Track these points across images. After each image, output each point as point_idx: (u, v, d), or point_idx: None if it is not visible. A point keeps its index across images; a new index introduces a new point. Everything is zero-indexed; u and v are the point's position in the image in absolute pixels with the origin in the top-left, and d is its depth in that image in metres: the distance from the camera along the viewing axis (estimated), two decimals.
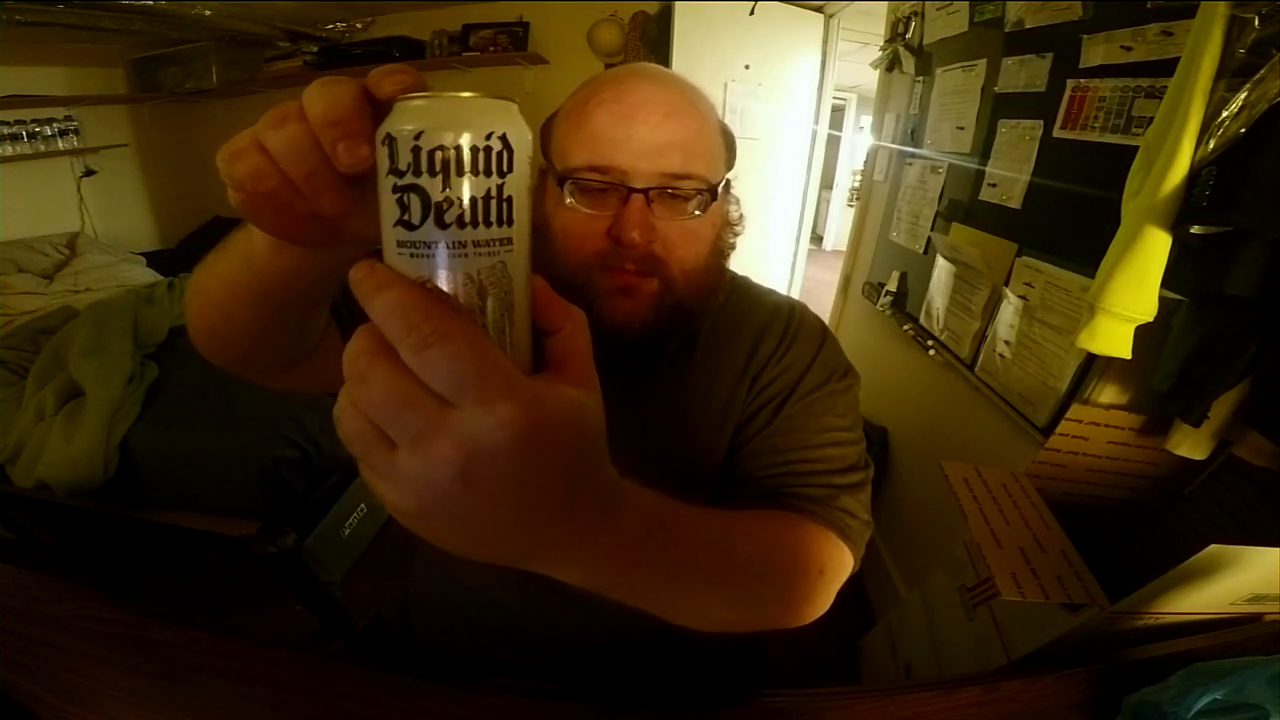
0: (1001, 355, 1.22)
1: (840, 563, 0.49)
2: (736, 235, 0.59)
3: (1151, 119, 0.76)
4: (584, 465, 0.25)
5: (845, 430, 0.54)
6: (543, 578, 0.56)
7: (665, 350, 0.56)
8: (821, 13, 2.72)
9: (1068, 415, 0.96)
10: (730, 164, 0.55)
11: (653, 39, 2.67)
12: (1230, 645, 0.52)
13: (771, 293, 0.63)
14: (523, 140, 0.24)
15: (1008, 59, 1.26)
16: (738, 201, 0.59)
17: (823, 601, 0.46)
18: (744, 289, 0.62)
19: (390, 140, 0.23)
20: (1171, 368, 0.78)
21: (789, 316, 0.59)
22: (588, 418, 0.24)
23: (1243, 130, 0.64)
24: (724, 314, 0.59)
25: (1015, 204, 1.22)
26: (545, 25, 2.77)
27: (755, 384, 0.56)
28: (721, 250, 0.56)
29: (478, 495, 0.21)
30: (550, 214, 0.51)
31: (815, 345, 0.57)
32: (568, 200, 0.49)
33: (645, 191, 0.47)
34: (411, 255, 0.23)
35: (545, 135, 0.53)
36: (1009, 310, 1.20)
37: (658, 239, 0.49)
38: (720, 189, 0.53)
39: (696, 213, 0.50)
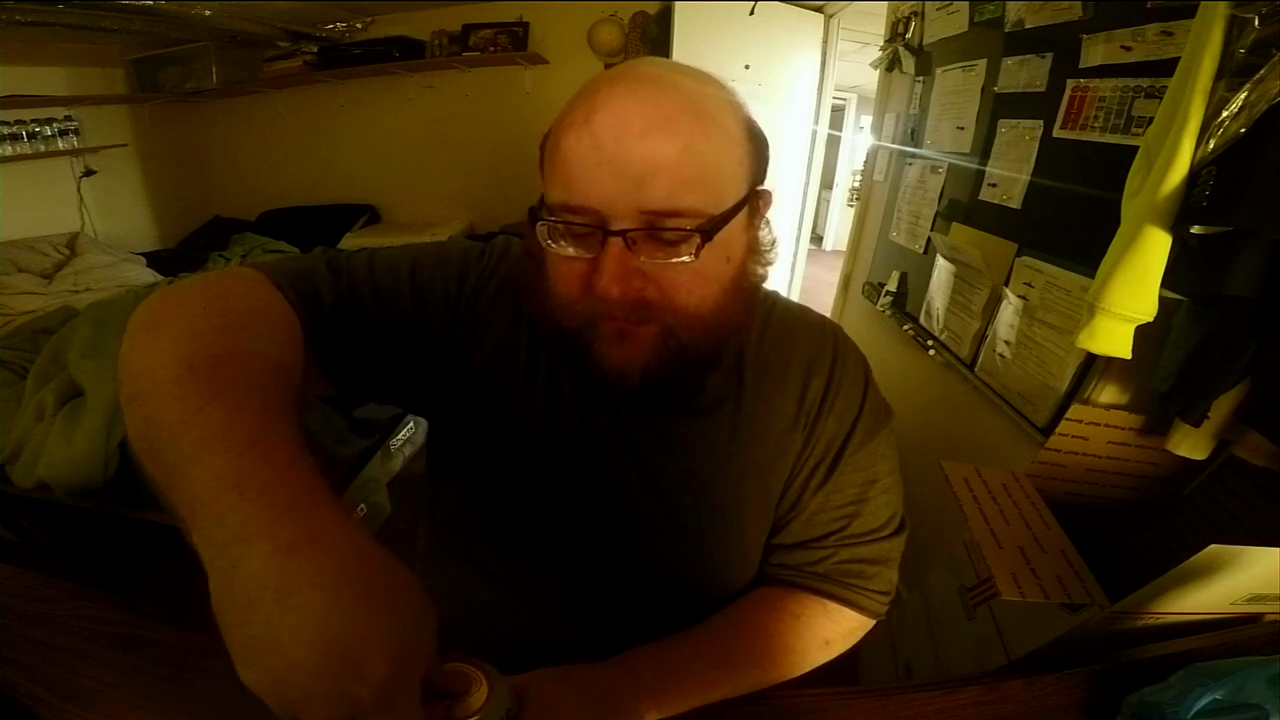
0: (1001, 355, 1.22)
1: (854, 633, 0.55)
2: (768, 264, 0.49)
3: (1151, 119, 0.76)
4: None
5: (890, 474, 0.54)
6: (545, 600, 0.56)
7: (708, 386, 0.52)
8: (821, 13, 2.72)
9: (1068, 415, 0.96)
10: (758, 175, 0.46)
11: (653, 39, 2.67)
12: (1230, 645, 0.51)
13: (805, 311, 0.58)
14: None
15: (1008, 59, 1.26)
16: (769, 224, 0.49)
17: (831, 656, 0.54)
18: (781, 313, 0.56)
19: None
20: (1171, 368, 0.78)
21: (834, 347, 0.54)
22: None
23: (1243, 130, 0.64)
24: (766, 344, 0.54)
25: (1015, 204, 1.22)
26: (545, 25, 2.77)
27: (808, 432, 0.52)
28: (743, 285, 0.46)
29: None
30: (543, 256, 0.45)
31: (862, 384, 0.54)
32: (545, 243, 0.42)
33: (624, 234, 0.40)
34: None
35: (541, 152, 0.46)
36: (1009, 310, 1.20)
37: (650, 283, 0.42)
38: (745, 209, 0.44)
39: (687, 258, 0.41)
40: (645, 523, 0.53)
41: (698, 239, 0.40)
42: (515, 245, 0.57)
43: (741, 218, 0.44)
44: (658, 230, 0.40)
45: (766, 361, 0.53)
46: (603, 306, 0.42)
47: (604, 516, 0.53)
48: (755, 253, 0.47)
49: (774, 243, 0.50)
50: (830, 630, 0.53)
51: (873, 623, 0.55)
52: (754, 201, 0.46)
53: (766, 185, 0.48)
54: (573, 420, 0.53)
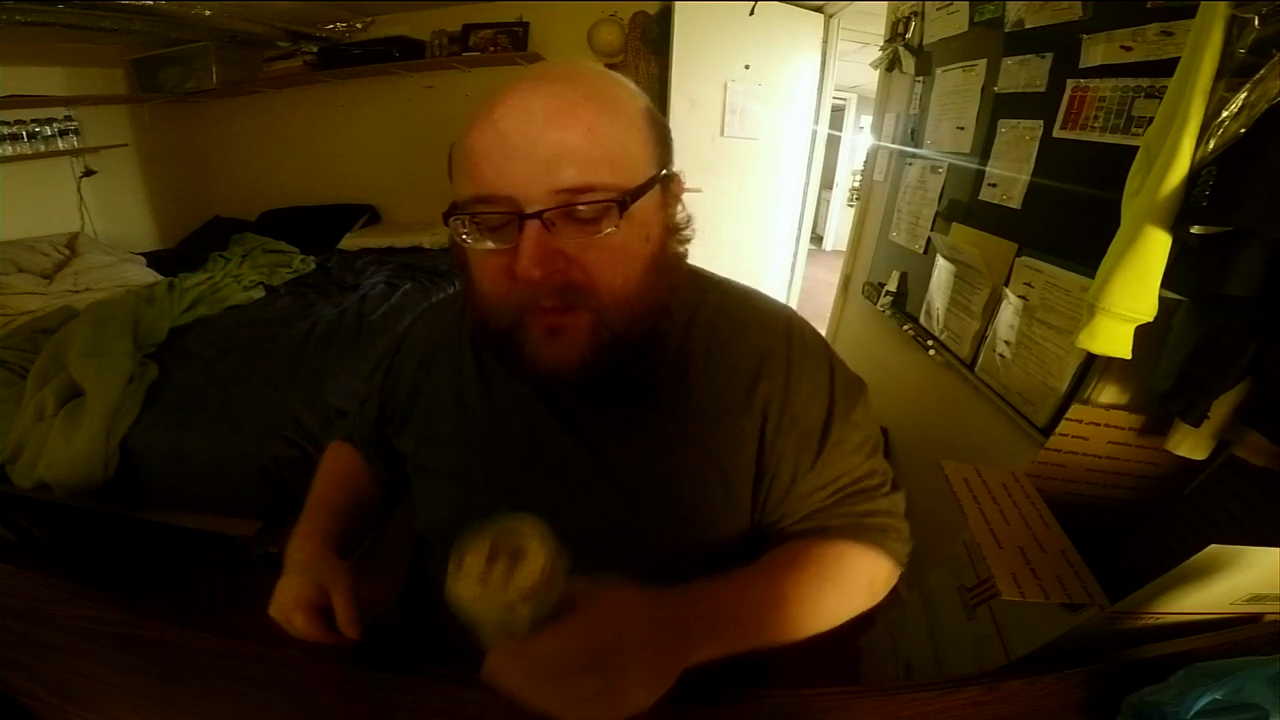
0: (1001, 355, 1.22)
1: (889, 572, 0.55)
2: (685, 241, 0.51)
3: (1151, 119, 0.76)
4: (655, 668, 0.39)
5: (871, 439, 0.55)
6: None
7: (656, 374, 0.52)
8: (821, 13, 2.72)
9: (1068, 415, 0.96)
10: (665, 159, 0.48)
11: (653, 39, 2.67)
12: (1230, 645, 0.51)
13: (758, 298, 0.58)
14: None
15: (1008, 59, 1.26)
16: (681, 203, 0.50)
17: (874, 601, 0.54)
18: (735, 299, 0.57)
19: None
20: (1171, 368, 0.78)
21: (787, 336, 0.54)
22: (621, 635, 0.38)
23: (1243, 130, 0.64)
24: (718, 329, 0.54)
25: (1015, 204, 1.22)
26: (545, 25, 2.77)
27: (770, 421, 0.52)
28: (664, 265, 0.47)
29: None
30: (466, 258, 0.46)
31: (826, 367, 0.54)
32: (462, 237, 0.43)
33: (539, 215, 0.40)
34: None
35: (450, 163, 0.48)
36: (1009, 310, 1.20)
37: (574, 265, 0.42)
38: (657, 188, 0.46)
39: (610, 230, 0.42)
40: (606, 513, 0.53)
41: (615, 209, 0.41)
42: (442, 303, 0.65)
43: (656, 196, 0.46)
44: (573, 208, 0.41)
45: (719, 347, 0.53)
46: (529, 295, 0.42)
47: (565, 512, 0.53)
48: (673, 232, 0.49)
49: (689, 220, 0.51)
50: (872, 571, 0.53)
51: (899, 572, 0.56)
52: (665, 183, 0.48)
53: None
54: (518, 425, 0.55)
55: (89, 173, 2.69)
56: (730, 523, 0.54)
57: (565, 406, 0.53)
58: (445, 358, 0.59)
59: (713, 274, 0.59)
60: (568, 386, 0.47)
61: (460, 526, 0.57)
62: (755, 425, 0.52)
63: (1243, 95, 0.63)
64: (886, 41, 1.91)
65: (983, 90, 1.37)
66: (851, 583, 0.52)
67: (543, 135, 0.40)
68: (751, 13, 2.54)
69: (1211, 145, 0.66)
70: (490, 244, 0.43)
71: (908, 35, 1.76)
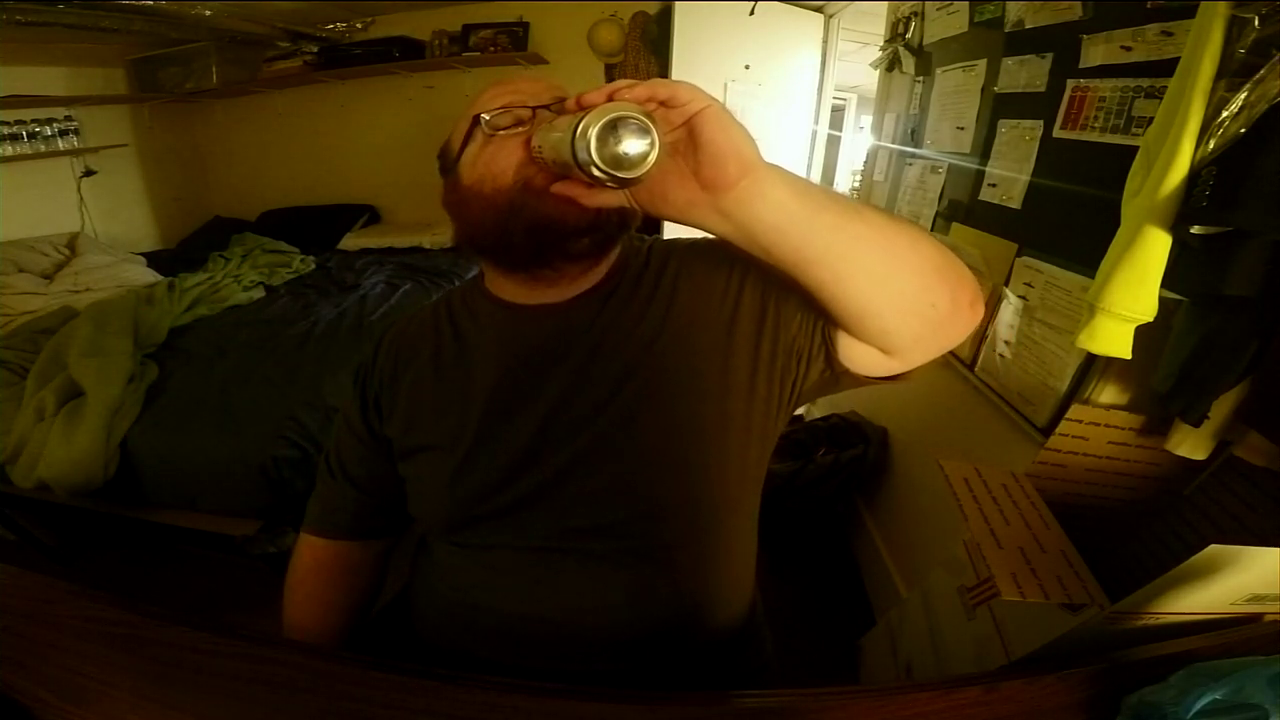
0: (1001, 355, 1.22)
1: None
2: None
3: (1151, 119, 0.76)
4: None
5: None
6: (532, 571, 0.59)
7: (625, 280, 0.60)
8: (821, 13, 2.72)
9: (1068, 415, 0.96)
10: None
11: (653, 39, 2.67)
12: (1230, 645, 0.51)
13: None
14: None
15: (1008, 59, 1.26)
16: None
17: (973, 290, 0.49)
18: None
19: None
20: (1172, 368, 0.78)
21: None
22: None
23: (1243, 130, 0.64)
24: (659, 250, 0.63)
25: (1015, 204, 1.22)
26: (545, 25, 2.77)
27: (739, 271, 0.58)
28: None
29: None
30: (464, 181, 0.56)
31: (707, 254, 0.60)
32: (487, 131, 0.55)
33: (548, 107, 0.54)
34: None
35: (445, 155, 0.60)
36: (1009, 310, 1.20)
37: None
38: None
39: None
40: (603, 411, 0.56)
41: None
42: (405, 315, 0.70)
43: None
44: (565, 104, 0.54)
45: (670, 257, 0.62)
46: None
47: (559, 426, 0.56)
48: None
49: None
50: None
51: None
52: None
53: None
54: (496, 368, 0.59)
55: (89, 173, 2.69)
56: (723, 404, 0.56)
57: (544, 332, 0.58)
58: (424, 344, 0.64)
59: None
60: (582, 223, 0.52)
61: (454, 499, 0.59)
62: (732, 284, 0.57)
63: (1243, 95, 0.63)
64: (886, 41, 1.91)
65: (983, 90, 1.37)
66: (919, 232, 0.48)
67: (539, 79, 0.58)
68: (751, 13, 2.54)
69: (1211, 145, 0.66)
70: (509, 130, 0.54)
71: (908, 35, 1.76)
